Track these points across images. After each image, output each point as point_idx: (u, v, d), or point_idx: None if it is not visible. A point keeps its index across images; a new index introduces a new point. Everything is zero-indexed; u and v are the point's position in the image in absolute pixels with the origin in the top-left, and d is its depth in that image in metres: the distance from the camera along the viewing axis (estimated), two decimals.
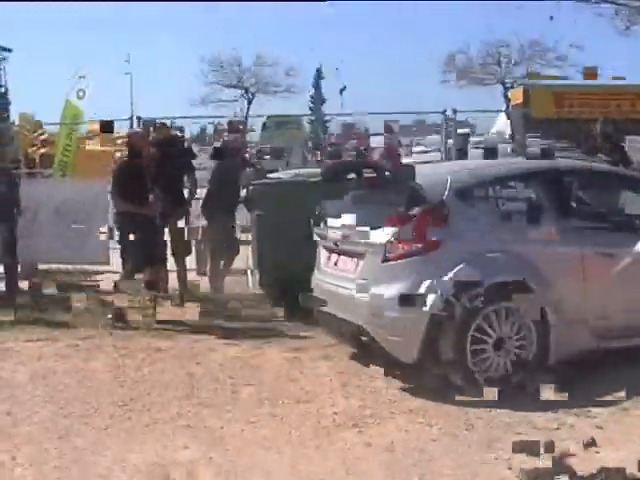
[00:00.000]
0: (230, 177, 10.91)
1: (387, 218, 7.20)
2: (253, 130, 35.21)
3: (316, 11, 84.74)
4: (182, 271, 10.67)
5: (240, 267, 11.56)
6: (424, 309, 6.80)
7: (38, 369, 7.93)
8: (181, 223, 10.84)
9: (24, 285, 11.39)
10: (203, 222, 11.06)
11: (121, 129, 17.02)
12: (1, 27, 60.58)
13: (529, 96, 36.57)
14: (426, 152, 28.35)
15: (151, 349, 8.62)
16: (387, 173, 7.57)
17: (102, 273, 12.63)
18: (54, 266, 12.95)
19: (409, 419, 6.33)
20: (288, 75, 56.91)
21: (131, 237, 9.83)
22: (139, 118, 12.59)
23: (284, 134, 40.79)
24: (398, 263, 7.02)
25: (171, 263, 10.75)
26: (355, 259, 7.47)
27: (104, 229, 11.48)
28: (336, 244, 7.80)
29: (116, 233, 10.48)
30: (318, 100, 66.59)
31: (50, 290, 11.17)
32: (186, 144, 13.10)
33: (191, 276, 11.21)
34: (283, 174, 12.10)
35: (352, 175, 8.24)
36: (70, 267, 12.98)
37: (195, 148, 13.80)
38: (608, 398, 6.62)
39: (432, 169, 7.82)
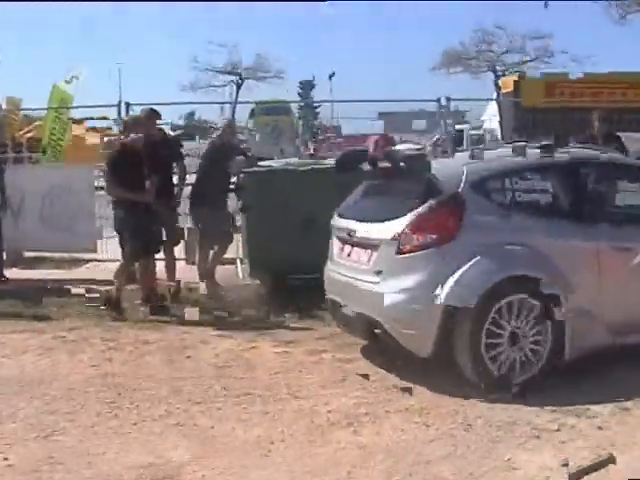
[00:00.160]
0: (220, 164, 10.68)
1: (402, 209, 7.08)
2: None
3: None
4: (171, 261, 10.45)
5: (230, 257, 11.33)
6: (438, 302, 6.67)
7: (23, 363, 7.73)
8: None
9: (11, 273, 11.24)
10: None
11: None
12: None
13: (520, 85, 36.57)
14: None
15: (139, 341, 8.43)
16: (402, 164, 7.37)
17: (89, 262, 12.48)
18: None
19: (405, 418, 6.14)
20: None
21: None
22: (127, 104, 12.35)
23: (274, 120, 40.63)
24: (413, 255, 6.89)
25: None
26: (369, 250, 7.32)
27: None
28: (350, 235, 7.64)
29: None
30: (307, 86, 66.37)
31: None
32: (172, 133, 12.86)
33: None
34: (274, 163, 11.93)
35: (366, 165, 8.05)
36: (56, 255, 12.76)
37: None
38: (608, 397, 6.42)
39: (448, 160, 7.63)
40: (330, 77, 59.50)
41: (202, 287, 10.55)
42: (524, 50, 49.55)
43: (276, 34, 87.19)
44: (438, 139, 29.90)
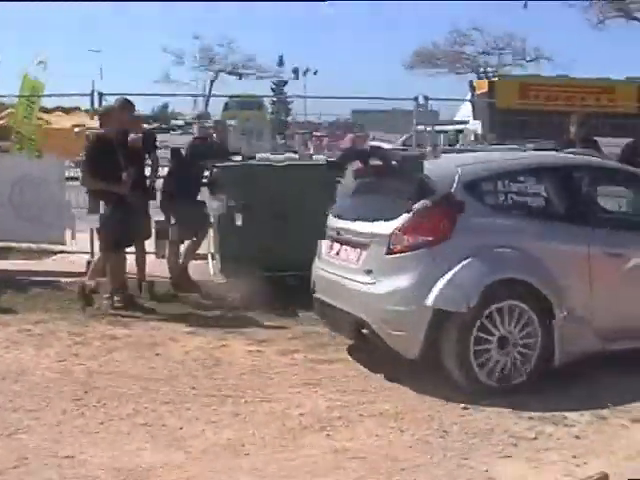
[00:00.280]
0: (193, 158, 10.51)
1: (393, 209, 6.99)
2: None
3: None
4: (141, 255, 10.24)
5: (201, 252, 11.14)
6: (427, 304, 6.56)
7: None
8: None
9: None
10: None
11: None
12: None
13: (494, 85, 36.59)
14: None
15: (107, 337, 8.25)
16: (394, 163, 7.26)
17: (58, 253, 12.25)
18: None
19: (379, 423, 6.00)
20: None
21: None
22: (101, 94, 12.11)
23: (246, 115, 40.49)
24: (403, 256, 6.79)
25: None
26: (358, 249, 7.23)
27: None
28: (339, 233, 7.56)
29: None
30: (280, 82, 66.19)
31: None
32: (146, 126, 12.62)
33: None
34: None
35: (358, 163, 7.92)
36: (24, 245, 12.49)
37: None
38: (585, 405, 6.32)
39: (441, 161, 7.54)
40: (305, 73, 59.45)
41: (172, 282, 10.34)
42: (502, 52, 49.66)
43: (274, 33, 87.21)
44: (407, 138, 29.95)
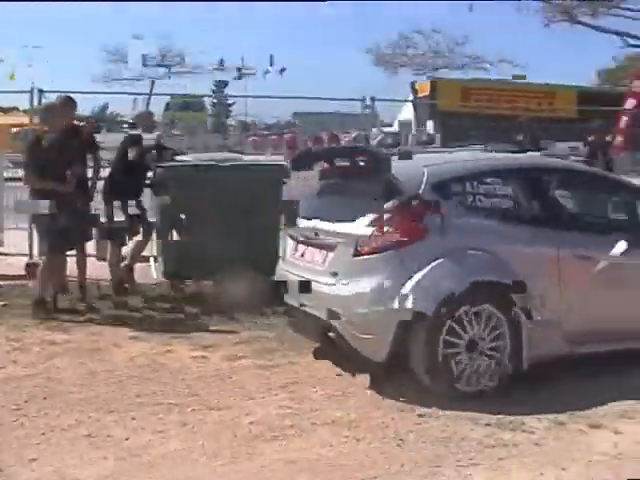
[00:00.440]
0: (135, 158, 10.22)
1: (360, 210, 6.83)
2: None
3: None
4: (82, 258, 9.90)
5: (144, 255, 10.85)
6: (395, 307, 6.41)
7: None
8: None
9: None
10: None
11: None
12: None
13: (436, 88, 36.79)
14: None
15: (46, 342, 7.91)
16: (362, 163, 7.10)
17: None
18: None
19: (333, 431, 5.79)
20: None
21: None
22: (41, 91, 11.76)
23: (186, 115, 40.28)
24: (370, 257, 6.63)
25: None
26: (324, 251, 7.07)
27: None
28: (304, 234, 7.42)
29: None
30: (221, 83, 65.91)
31: None
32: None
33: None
34: (191, 157, 11.48)
35: (323, 163, 7.74)
36: None
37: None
38: (542, 409, 6.19)
39: (408, 161, 7.42)
40: (239, 76, 59.43)
41: (114, 285, 10.04)
42: (448, 55, 49.79)
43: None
44: (355, 138, 29.90)
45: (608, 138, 13.53)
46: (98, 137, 10.93)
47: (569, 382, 6.70)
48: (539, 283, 6.75)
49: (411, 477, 5.08)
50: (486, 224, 6.84)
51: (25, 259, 10.88)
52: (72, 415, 5.95)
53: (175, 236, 9.88)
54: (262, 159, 11.79)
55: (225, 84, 65.81)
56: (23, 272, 10.26)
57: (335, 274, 6.82)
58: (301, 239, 7.52)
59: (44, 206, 8.98)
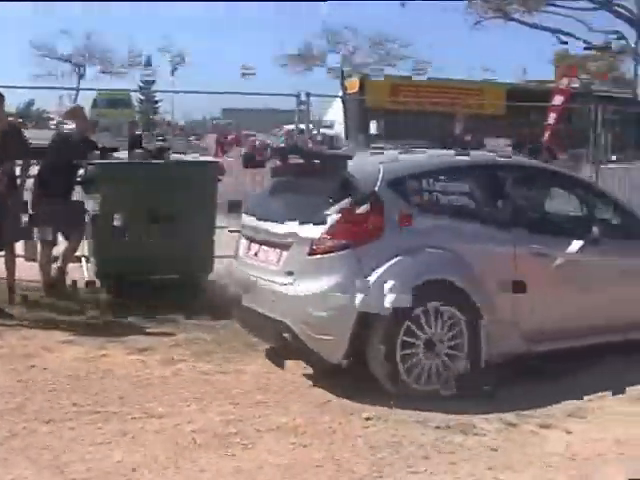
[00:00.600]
0: (66, 156, 9.89)
1: (315, 208, 6.69)
2: None
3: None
4: (10, 258, 9.53)
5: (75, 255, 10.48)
6: (352, 307, 6.28)
7: None
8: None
9: None
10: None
11: None
12: None
13: (365, 85, 36.73)
14: None
15: None
16: (316, 160, 6.93)
17: None
18: None
19: (279, 438, 5.58)
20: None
21: None
22: None
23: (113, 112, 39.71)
24: (326, 257, 6.50)
25: None
26: (278, 250, 6.91)
27: None
28: (257, 233, 7.27)
29: None
30: (149, 81, 65.19)
31: None
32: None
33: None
34: (124, 154, 11.18)
35: (274, 161, 7.60)
36: None
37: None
38: (490, 410, 6.11)
39: (365, 158, 7.34)
40: (172, 72, 58.70)
41: (45, 287, 9.69)
42: (374, 52, 49.85)
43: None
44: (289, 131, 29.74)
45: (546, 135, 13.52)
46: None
47: (519, 382, 6.63)
48: (496, 280, 6.69)
49: None
50: (442, 222, 6.77)
51: None
52: (5, 426, 5.63)
53: (107, 235, 9.55)
54: (192, 156, 11.49)
55: (152, 81, 65.22)
56: None
57: (290, 273, 6.68)
58: (255, 238, 7.35)
59: None
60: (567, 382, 6.71)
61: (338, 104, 40.54)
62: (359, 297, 6.30)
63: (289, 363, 7.02)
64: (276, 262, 6.93)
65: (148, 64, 62.88)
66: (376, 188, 6.65)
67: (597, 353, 7.13)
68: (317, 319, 6.47)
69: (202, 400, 6.34)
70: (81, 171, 10.05)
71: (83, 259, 10.61)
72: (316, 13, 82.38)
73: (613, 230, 7.49)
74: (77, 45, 56.28)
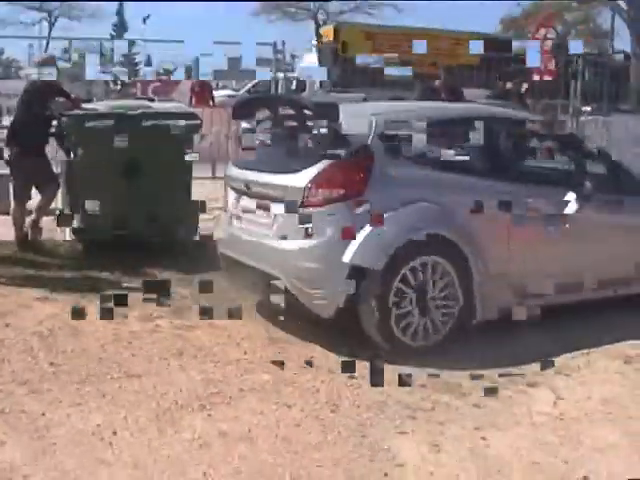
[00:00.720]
0: (39, 106, 9.62)
1: (306, 160, 6.56)
2: None
3: None
4: None
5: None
6: (344, 260, 6.18)
7: None
8: None
9: None
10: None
11: None
12: None
13: (339, 34, 36.33)
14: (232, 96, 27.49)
15: None
16: (308, 111, 6.76)
17: None
18: None
19: (262, 398, 5.47)
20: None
21: None
22: None
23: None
24: (318, 210, 6.35)
25: None
26: (268, 202, 6.79)
27: None
28: (247, 186, 7.08)
29: None
30: (121, 28, 64.68)
31: None
32: None
33: None
34: (100, 105, 10.89)
35: (266, 112, 7.36)
36: None
37: None
38: (479, 370, 6.00)
39: (357, 109, 7.20)
40: (144, 20, 58.16)
41: (18, 241, 9.49)
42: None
43: None
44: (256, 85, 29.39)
45: (525, 86, 13.36)
46: None
47: (507, 339, 6.55)
48: (488, 235, 6.62)
49: (349, 445, 4.82)
50: (436, 176, 6.66)
51: None
52: None
53: (82, 190, 9.33)
54: (169, 106, 11.19)
55: (124, 29, 64.55)
56: None
57: (281, 226, 6.58)
58: (244, 190, 7.19)
59: None
60: (555, 338, 6.63)
61: (311, 53, 40.17)
62: (351, 250, 6.21)
63: (272, 320, 6.88)
64: (266, 215, 6.81)
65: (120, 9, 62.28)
66: (369, 141, 6.52)
67: (591, 308, 7.14)
68: (309, 273, 6.38)
69: (182, 358, 6.22)
70: (55, 122, 9.81)
71: (58, 212, 10.39)
72: None
73: (606, 185, 7.38)
74: None
